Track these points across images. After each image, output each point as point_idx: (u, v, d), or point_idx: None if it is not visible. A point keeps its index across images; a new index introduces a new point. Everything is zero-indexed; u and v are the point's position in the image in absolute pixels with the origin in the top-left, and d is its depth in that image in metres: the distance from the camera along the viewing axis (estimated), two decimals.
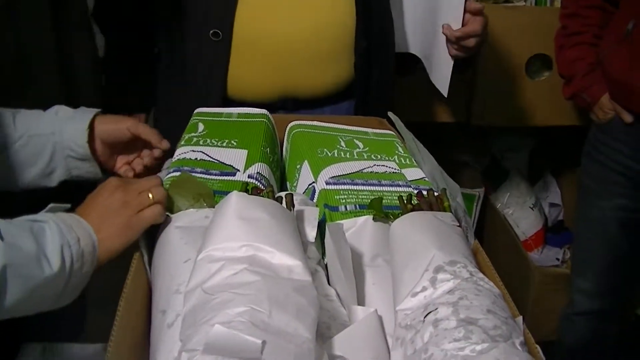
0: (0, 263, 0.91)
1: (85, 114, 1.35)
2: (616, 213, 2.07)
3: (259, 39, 1.62)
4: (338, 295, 1.02)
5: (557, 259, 2.81)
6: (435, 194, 1.17)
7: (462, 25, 1.64)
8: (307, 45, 1.64)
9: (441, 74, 1.77)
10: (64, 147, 1.33)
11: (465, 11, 1.63)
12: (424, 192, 1.17)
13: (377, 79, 1.78)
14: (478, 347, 0.79)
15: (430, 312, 0.88)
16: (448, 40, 1.68)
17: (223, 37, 1.61)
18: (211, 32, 1.61)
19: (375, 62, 1.75)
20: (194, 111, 1.50)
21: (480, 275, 0.95)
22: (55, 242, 0.99)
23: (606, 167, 2.03)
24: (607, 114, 2.00)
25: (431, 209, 1.12)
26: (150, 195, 1.10)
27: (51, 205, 1.12)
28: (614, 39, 1.94)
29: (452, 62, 1.71)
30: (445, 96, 1.77)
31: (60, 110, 1.36)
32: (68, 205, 1.14)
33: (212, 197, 1.15)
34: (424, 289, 0.93)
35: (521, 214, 2.80)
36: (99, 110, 1.38)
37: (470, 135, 2.83)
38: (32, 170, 1.33)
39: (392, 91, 1.88)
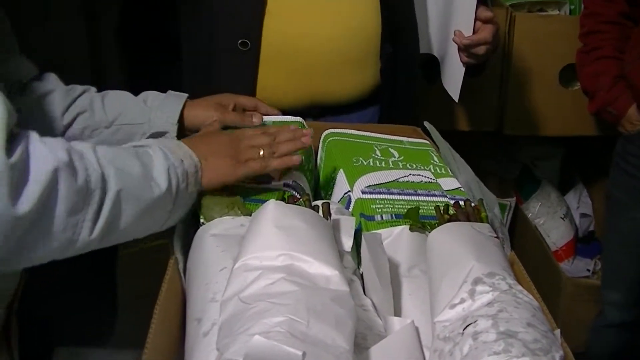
0: (114, 188, 0.95)
1: (174, 104, 1.39)
2: None
3: (287, 47, 1.62)
4: (374, 305, 1.01)
5: (588, 270, 2.79)
6: (472, 204, 1.16)
7: (473, 33, 1.65)
8: (334, 51, 1.63)
9: (453, 79, 1.78)
10: (153, 136, 1.36)
11: (476, 19, 1.63)
12: (461, 203, 1.16)
13: (402, 84, 1.77)
14: None
15: (469, 324, 0.87)
16: (459, 48, 1.67)
17: (251, 47, 1.60)
18: (239, 42, 1.60)
19: (400, 67, 1.75)
20: None
21: (519, 287, 0.94)
22: (160, 164, 1.04)
23: (635, 178, 2.02)
24: (636, 125, 1.98)
25: (468, 220, 1.11)
26: (261, 152, 1.18)
27: (152, 131, 1.33)
28: (637, 52, 1.92)
29: (463, 69, 1.71)
30: (457, 101, 1.77)
31: (149, 98, 1.40)
32: (168, 131, 1.35)
33: (244, 205, 1.15)
34: (463, 300, 0.92)
35: (552, 224, 2.78)
36: (187, 96, 1.42)
37: (500, 144, 2.82)
38: None
39: (418, 97, 1.88)
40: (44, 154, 0.89)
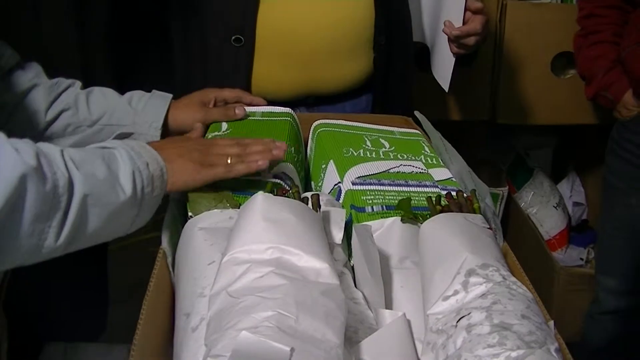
0: (80, 193, 0.94)
1: (158, 107, 1.40)
2: None
3: (281, 40, 1.61)
4: (365, 298, 1.00)
5: (581, 259, 2.78)
6: (465, 195, 1.15)
7: (463, 23, 1.64)
8: (328, 41, 1.63)
9: (443, 70, 1.77)
10: (134, 139, 1.36)
11: (465, 9, 1.63)
12: (453, 193, 1.15)
13: (396, 73, 1.77)
14: (513, 354, 0.78)
15: (463, 316, 0.86)
16: (449, 38, 1.67)
17: (245, 42, 1.60)
18: (233, 38, 1.60)
19: (394, 56, 1.74)
20: None
21: (513, 279, 0.93)
22: (126, 167, 1.02)
23: (631, 165, 2.01)
24: (631, 111, 1.97)
25: (461, 211, 1.10)
26: (229, 160, 1.16)
27: (118, 132, 1.32)
28: (634, 38, 1.91)
29: (454, 59, 1.70)
30: (447, 91, 1.76)
31: (134, 99, 1.40)
32: (133, 132, 1.35)
33: (232, 197, 1.14)
34: (456, 292, 0.91)
35: (545, 213, 2.78)
36: (171, 97, 1.43)
37: (493, 133, 2.81)
38: None
39: (411, 86, 1.87)
40: (12, 159, 0.86)
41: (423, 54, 1.89)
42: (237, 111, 1.44)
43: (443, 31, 1.66)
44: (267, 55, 1.62)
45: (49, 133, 1.33)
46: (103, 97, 1.39)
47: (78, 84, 1.41)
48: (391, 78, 1.76)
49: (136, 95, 1.41)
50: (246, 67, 1.62)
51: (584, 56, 2.10)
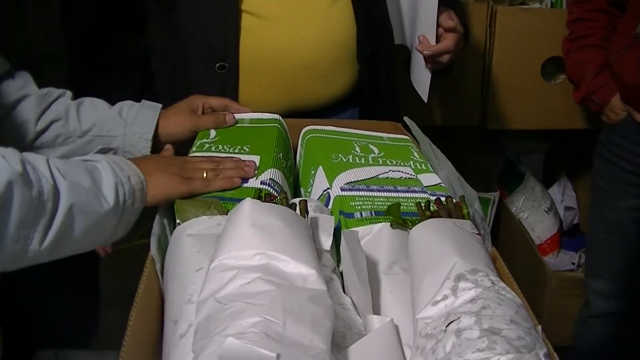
0: (67, 202, 0.97)
1: (148, 117, 1.41)
2: (632, 213, 2.06)
3: (265, 62, 1.61)
4: (353, 303, 1.00)
5: (573, 263, 2.79)
6: (454, 200, 1.15)
7: (436, 40, 1.65)
8: (312, 61, 1.63)
9: (421, 81, 1.78)
10: (125, 150, 1.39)
11: (438, 26, 1.64)
12: (443, 199, 1.15)
13: (383, 84, 1.78)
14: (503, 358, 0.77)
15: (452, 321, 0.86)
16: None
17: (229, 68, 1.59)
18: (217, 65, 1.59)
19: (379, 66, 1.74)
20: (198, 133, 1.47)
21: (502, 284, 0.93)
22: (109, 179, 1.06)
23: (619, 168, 2.03)
24: (619, 114, 1.98)
25: (450, 216, 1.10)
26: (205, 174, 1.19)
27: (100, 147, 1.33)
28: (622, 42, 1.92)
29: (429, 74, 1.72)
30: (425, 102, 1.77)
31: (124, 109, 1.41)
32: (119, 146, 1.36)
33: (220, 204, 1.14)
34: (445, 297, 0.91)
35: (536, 218, 2.78)
36: (161, 106, 1.44)
37: (484, 138, 2.82)
38: None
39: (397, 94, 1.87)
40: None
41: (410, 59, 1.90)
42: (227, 118, 1.45)
43: (416, 49, 1.67)
44: (252, 78, 1.62)
45: (38, 143, 1.34)
46: (93, 108, 1.40)
47: (69, 94, 1.41)
48: (377, 88, 1.76)
49: (126, 105, 1.42)
50: (232, 91, 1.62)
51: (573, 60, 2.11)
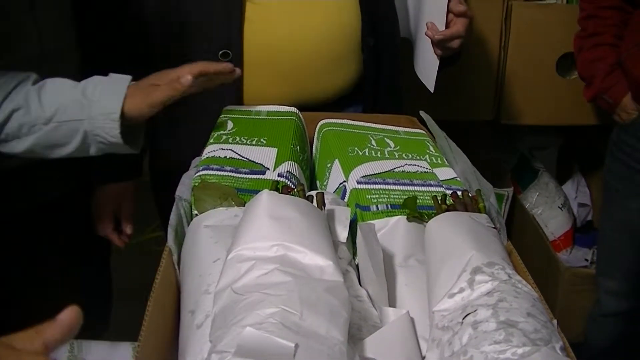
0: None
1: (114, 93, 1.28)
2: None
3: (268, 53, 1.60)
4: (369, 296, 1.00)
5: (586, 260, 2.78)
6: (470, 194, 1.15)
7: (446, 26, 1.63)
8: (316, 51, 1.62)
9: (427, 70, 1.75)
10: (95, 134, 1.29)
11: (448, 11, 1.62)
12: (459, 193, 1.15)
13: (386, 75, 1.77)
14: (519, 351, 0.78)
15: (469, 313, 0.86)
16: (432, 41, 1.66)
17: (233, 56, 1.58)
18: (220, 52, 1.58)
19: (384, 59, 1.74)
20: (203, 128, 1.44)
21: (518, 277, 0.93)
22: None
23: (630, 168, 2.01)
24: (631, 114, 1.97)
25: (466, 210, 1.10)
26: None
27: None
28: (634, 40, 1.91)
29: (437, 61, 1.68)
30: (432, 92, 1.74)
31: (89, 87, 1.30)
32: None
33: (237, 196, 1.14)
34: (462, 290, 0.91)
35: (550, 214, 2.78)
36: (130, 80, 1.32)
37: (498, 133, 2.81)
38: (65, 149, 1.31)
39: (400, 90, 1.87)
40: None
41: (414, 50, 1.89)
42: (182, 81, 1.30)
43: (425, 34, 1.65)
44: (255, 68, 1.61)
45: (3, 135, 1.29)
46: (56, 91, 1.30)
47: (32, 77, 1.32)
48: (382, 80, 1.76)
49: (91, 82, 1.31)
50: (235, 83, 1.58)
51: (584, 58, 2.10)
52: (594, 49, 2.06)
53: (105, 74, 1.35)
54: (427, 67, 1.74)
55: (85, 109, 1.27)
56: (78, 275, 1.73)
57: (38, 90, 1.28)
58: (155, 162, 1.82)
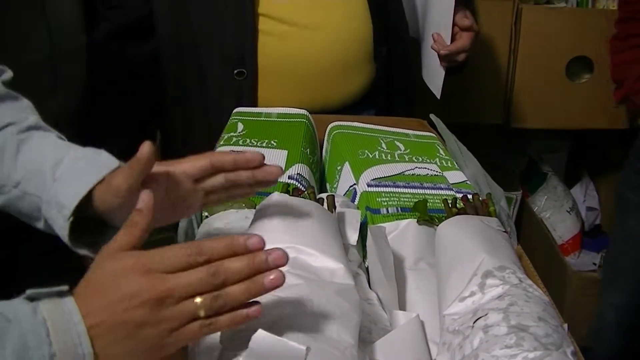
0: None
1: (81, 183, 0.93)
2: None
3: (283, 65, 1.61)
4: (379, 299, 1.00)
5: (594, 264, 2.77)
6: (480, 198, 1.15)
7: (452, 38, 1.64)
8: (330, 61, 1.63)
9: (434, 78, 1.77)
10: (50, 221, 0.97)
11: (454, 25, 1.63)
12: (469, 196, 1.15)
13: (398, 82, 1.77)
14: (530, 355, 0.78)
15: (479, 317, 0.86)
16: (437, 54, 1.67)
17: (248, 74, 1.58)
18: (235, 71, 1.58)
19: (395, 67, 1.74)
20: (214, 139, 1.41)
21: (529, 281, 0.93)
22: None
23: None
24: None
25: (477, 213, 1.10)
26: (198, 300, 0.72)
27: (30, 291, 0.73)
28: None
29: (443, 72, 1.71)
30: (438, 98, 1.75)
31: (64, 162, 0.97)
32: (65, 288, 0.74)
33: (248, 198, 1.14)
34: (473, 293, 0.92)
35: (558, 218, 2.77)
36: (110, 169, 0.93)
37: (507, 137, 2.81)
38: (38, 224, 1.01)
39: (414, 94, 1.87)
40: None
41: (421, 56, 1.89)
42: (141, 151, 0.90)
43: (432, 47, 1.66)
44: (269, 80, 1.61)
45: None
46: (35, 151, 1.01)
47: (27, 121, 1.05)
48: (394, 86, 1.76)
49: (70, 156, 0.98)
50: (250, 96, 1.60)
51: (618, 60, 2.05)
52: (629, 50, 2.02)
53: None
54: (434, 75, 1.75)
55: (47, 189, 0.96)
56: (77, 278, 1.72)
57: (18, 144, 1.01)
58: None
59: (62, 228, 0.93)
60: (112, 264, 0.74)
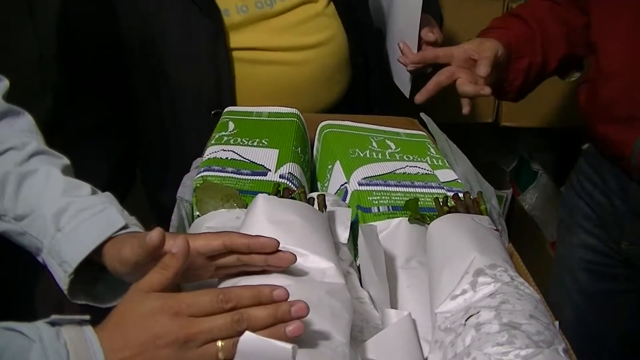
0: None
1: (84, 239, 0.94)
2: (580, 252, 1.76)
3: (261, 96, 1.58)
4: (371, 297, 1.00)
5: None
6: (472, 196, 1.15)
7: (418, 48, 1.62)
8: (309, 78, 1.62)
9: (401, 79, 1.75)
10: (51, 270, 0.97)
11: (420, 39, 1.61)
12: (460, 195, 1.15)
13: (377, 86, 1.79)
14: (522, 352, 0.78)
15: (471, 315, 0.87)
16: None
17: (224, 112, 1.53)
18: (212, 112, 1.54)
19: (372, 71, 1.77)
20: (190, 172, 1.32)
21: (521, 279, 0.93)
22: None
23: (580, 198, 1.78)
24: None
25: (468, 212, 1.10)
26: (220, 344, 0.76)
27: (54, 316, 0.76)
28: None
29: (410, 76, 1.69)
30: (407, 97, 1.73)
31: (70, 209, 0.96)
32: (86, 317, 0.79)
33: (239, 197, 1.14)
34: (464, 291, 0.92)
35: (549, 216, 2.78)
36: (118, 227, 0.95)
37: (498, 135, 2.81)
38: (30, 252, 1.01)
39: (394, 96, 1.85)
40: None
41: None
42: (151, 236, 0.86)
43: (398, 60, 1.64)
44: (247, 103, 1.57)
45: None
46: (39, 189, 0.99)
47: (22, 147, 1.02)
48: (373, 91, 1.78)
49: (76, 204, 0.97)
50: (230, 100, 1.57)
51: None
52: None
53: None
54: (401, 75, 1.74)
55: (49, 237, 0.96)
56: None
57: (20, 179, 0.99)
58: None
59: (61, 280, 0.95)
60: (141, 303, 0.78)
